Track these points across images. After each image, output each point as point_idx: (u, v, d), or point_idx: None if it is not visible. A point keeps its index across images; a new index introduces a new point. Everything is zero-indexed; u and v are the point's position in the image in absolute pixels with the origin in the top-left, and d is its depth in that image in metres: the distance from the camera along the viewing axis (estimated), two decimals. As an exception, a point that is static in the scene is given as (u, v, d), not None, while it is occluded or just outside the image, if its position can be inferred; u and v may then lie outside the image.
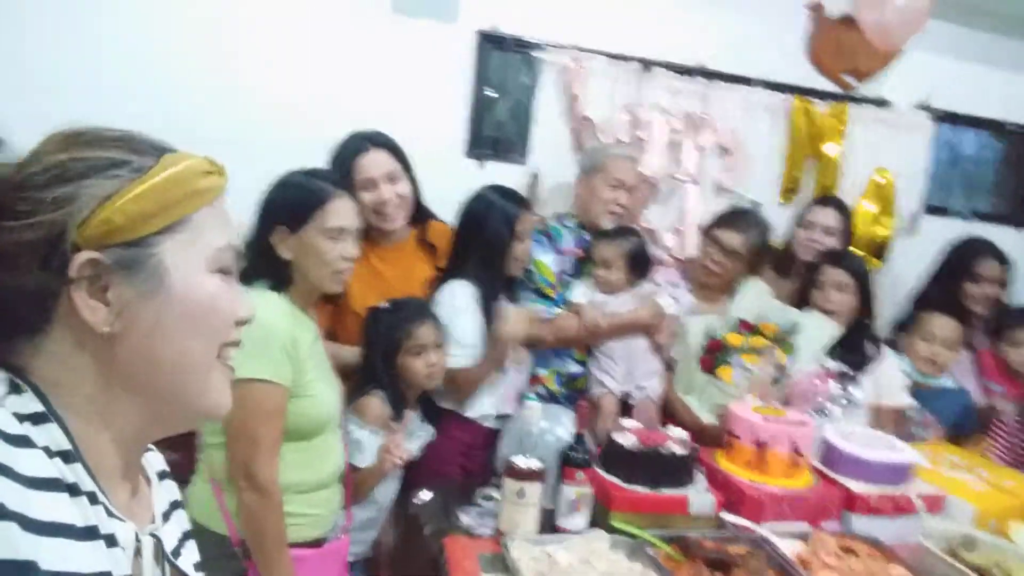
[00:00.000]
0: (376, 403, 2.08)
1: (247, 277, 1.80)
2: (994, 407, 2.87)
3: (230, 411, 1.66)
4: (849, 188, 3.60)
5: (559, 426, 2.04)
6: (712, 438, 2.18)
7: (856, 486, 1.96)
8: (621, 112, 3.26)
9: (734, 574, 1.64)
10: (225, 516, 1.72)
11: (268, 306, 1.75)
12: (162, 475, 0.89)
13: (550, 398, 2.52)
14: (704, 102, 3.37)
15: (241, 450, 1.67)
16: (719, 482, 1.96)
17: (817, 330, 2.53)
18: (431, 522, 1.87)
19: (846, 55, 3.55)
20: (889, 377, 2.61)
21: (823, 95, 3.57)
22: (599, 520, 1.80)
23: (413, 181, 2.42)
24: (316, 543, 1.84)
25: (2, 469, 0.61)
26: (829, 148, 3.57)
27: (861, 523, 1.91)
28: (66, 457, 0.68)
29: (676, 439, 1.94)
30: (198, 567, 0.88)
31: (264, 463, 1.67)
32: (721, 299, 2.73)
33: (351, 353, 2.21)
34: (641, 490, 1.83)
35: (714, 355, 2.47)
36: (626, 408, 2.47)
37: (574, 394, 2.53)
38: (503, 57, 3.17)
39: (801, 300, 2.69)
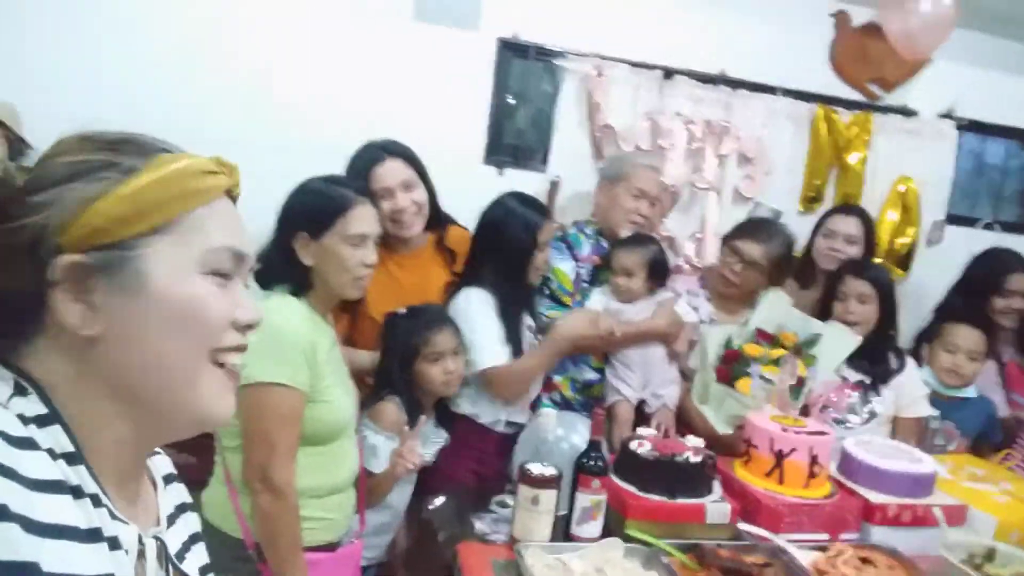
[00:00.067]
0: (392, 409, 2.08)
1: (267, 282, 1.83)
2: (1019, 418, 2.83)
3: (247, 415, 1.70)
4: (873, 197, 3.57)
5: (575, 434, 2.04)
6: (727, 448, 2.16)
7: (875, 497, 1.94)
8: (642, 120, 3.26)
9: (750, 584, 1.63)
10: (240, 519, 1.73)
11: (287, 311, 1.77)
12: (169, 478, 0.88)
13: (565, 405, 2.51)
14: (726, 110, 3.37)
15: (258, 453, 1.69)
16: (736, 491, 1.95)
17: (838, 341, 2.50)
18: (445, 528, 1.87)
19: (872, 64, 3.54)
20: (910, 388, 2.57)
21: (847, 104, 3.54)
22: (613, 528, 1.80)
23: (429, 188, 2.43)
24: (330, 547, 1.85)
25: (5, 471, 0.61)
26: (852, 157, 3.55)
27: (880, 534, 1.89)
28: (70, 459, 0.68)
29: (692, 447, 1.93)
30: (206, 570, 0.88)
31: (281, 467, 1.68)
32: (740, 309, 2.71)
33: (366, 358, 2.23)
34: (657, 498, 1.82)
35: (730, 365, 2.45)
36: (641, 416, 2.46)
37: (589, 401, 2.51)
38: (524, 65, 3.19)
39: (823, 311, 2.66)
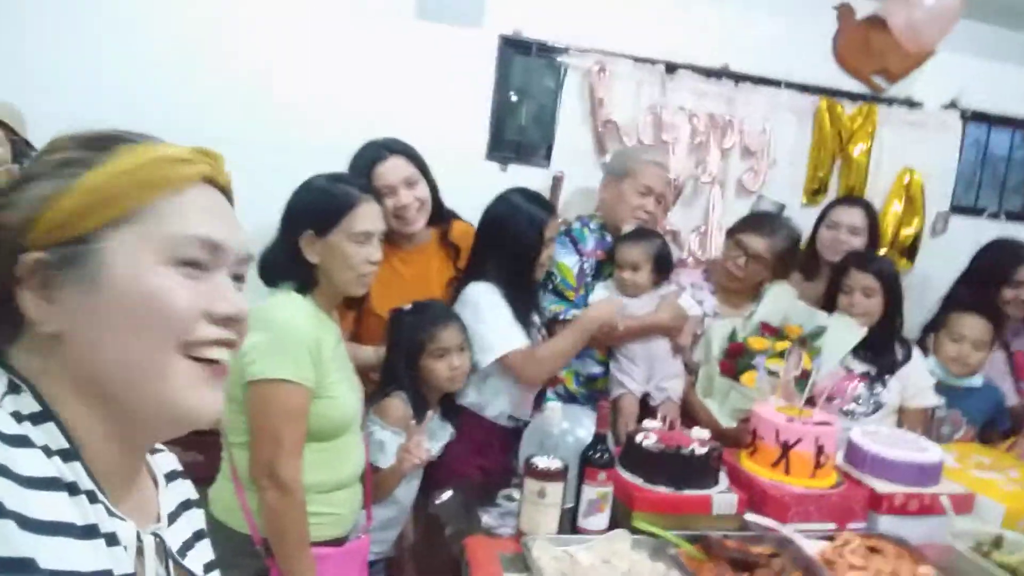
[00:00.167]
0: (398, 404, 2.09)
1: (272, 279, 1.84)
2: (1027, 407, 2.83)
3: (254, 411, 1.70)
4: (877, 189, 3.56)
5: (580, 427, 2.04)
6: (731, 441, 2.16)
7: (882, 486, 1.93)
8: (645, 115, 3.26)
9: (758, 574, 1.63)
10: (247, 515, 1.74)
11: (293, 308, 1.78)
12: (172, 476, 0.88)
13: (569, 398, 2.52)
14: (729, 104, 3.36)
15: (265, 449, 1.70)
16: (742, 482, 1.94)
17: (843, 333, 2.50)
18: (452, 522, 1.87)
19: (875, 56, 3.53)
20: (916, 379, 2.57)
21: (851, 96, 3.54)
22: (620, 520, 1.80)
23: (431, 184, 2.44)
24: (337, 542, 1.85)
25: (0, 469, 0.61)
26: (856, 149, 3.54)
27: (887, 523, 1.88)
28: (65, 456, 0.68)
29: (698, 439, 1.93)
30: (210, 566, 0.87)
31: (287, 462, 1.69)
32: (745, 303, 2.70)
33: (370, 353, 2.24)
34: (663, 490, 1.82)
35: (734, 359, 2.45)
36: (646, 409, 2.46)
37: (593, 395, 2.51)
38: (526, 61, 3.19)
39: (828, 304, 2.66)
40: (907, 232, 3.63)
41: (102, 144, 0.73)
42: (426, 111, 2.98)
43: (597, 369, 2.56)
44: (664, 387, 2.47)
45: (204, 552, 0.87)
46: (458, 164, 2.70)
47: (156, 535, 0.77)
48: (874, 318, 2.55)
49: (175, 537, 0.82)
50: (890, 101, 3.58)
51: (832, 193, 3.53)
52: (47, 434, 0.68)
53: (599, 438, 1.80)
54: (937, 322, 2.86)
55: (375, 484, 2.02)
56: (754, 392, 2.35)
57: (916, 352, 2.64)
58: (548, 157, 3.26)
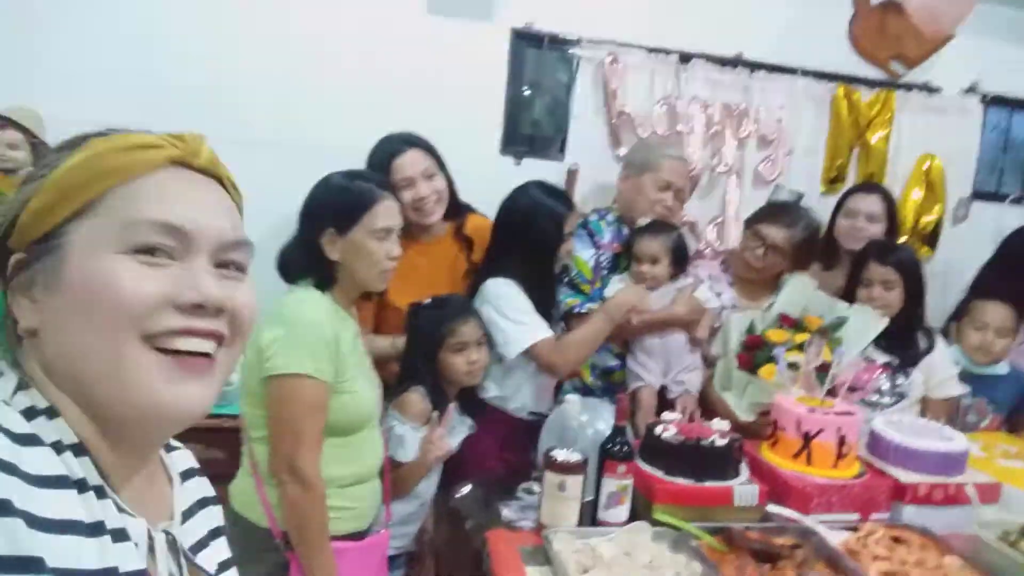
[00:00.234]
0: (417, 399, 2.09)
1: (291, 275, 1.85)
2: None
3: (273, 406, 1.71)
4: (896, 176, 3.52)
5: (599, 420, 2.03)
6: (750, 435, 2.14)
7: (905, 476, 1.91)
8: (659, 105, 3.23)
9: (780, 565, 1.62)
10: (267, 509, 1.75)
11: (311, 304, 1.80)
12: (188, 473, 0.87)
13: (586, 391, 2.50)
14: (744, 93, 3.33)
15: (285, 444, 1.70)
16: (764, 474, 1.93)
17: (863, 323, 2.46)
18: (472, 516, 1.87)
19: (892, 41, 3.48)
20: (940, 368, 2.54)
21: (868, 82, 3.49)
22: (641, 513, 1.79)
23: (448, 177, 2.46)
24: (357, 536, 1.86)
25: (8, 467, 0.61)
26: (875, 136, 3.50)
27: (912, 513, 1.86)
28: (76, 451, 0.68)
29: (718, 430, 1.91)
30: (226, 564, 0.86)
31: (307, 457, 1.70)
32: (763, 294, 2.67)
33: (385, 343, 2.25)
34: (684, 482, 1.81)
35: (752, 352, 2.42)
36: (664, 403, 2.45)
37: (610, 388, 2.50)
38: (538, 54, 3.18)
39: (847, 295, 2.62)
40: (928, 219, 3.58)
41: (76, 142, 0.74)
42: (439, 107, 2.97)
43: (614, 362, 2.55)
44: (681, 380, 2.46)
45: (220, 550, 0.87)
46: (472, 159, 2.69)
47: (168, 533, 0.77)
48: (894, 310, 2.50)
49: (189, 535, 0.82)
50: (908, 87, 3.54)
51: (851, 181, 3.48)
52: (58, 429, 0.68)
53: (618, 430, 1.79)
54: (960, 310, 2.82)
55: (399, 478, 2.03)
56: (772, 386, 2.33)
57: (939, 341, 2.60)
58: (562, 150, 3.25)
